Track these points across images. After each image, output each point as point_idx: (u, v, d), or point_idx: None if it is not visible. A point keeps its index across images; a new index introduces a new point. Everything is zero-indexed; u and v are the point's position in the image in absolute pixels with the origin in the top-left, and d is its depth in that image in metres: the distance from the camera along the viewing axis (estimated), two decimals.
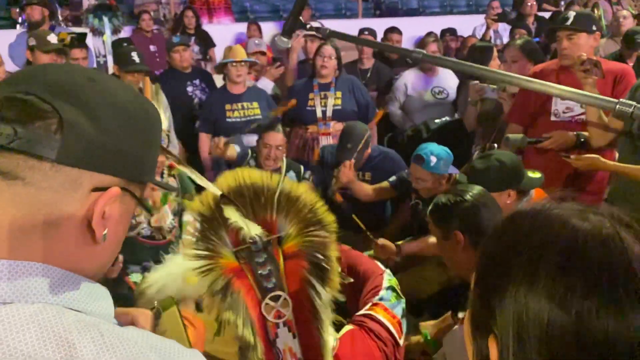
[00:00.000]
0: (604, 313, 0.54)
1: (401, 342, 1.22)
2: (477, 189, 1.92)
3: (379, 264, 1.42)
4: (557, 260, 0.57)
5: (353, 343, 1.14)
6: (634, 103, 1.23)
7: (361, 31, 4.40)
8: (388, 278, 1.34)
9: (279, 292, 1.06)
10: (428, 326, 2.23)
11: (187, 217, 2.77)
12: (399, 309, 1.26)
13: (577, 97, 1.43)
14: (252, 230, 1.08)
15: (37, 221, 0.58)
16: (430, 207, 1.96)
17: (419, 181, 2.71)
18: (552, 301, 0.55)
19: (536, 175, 2.35)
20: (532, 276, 0.57)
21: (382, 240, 2.56)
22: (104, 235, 0.62)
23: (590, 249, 0.57)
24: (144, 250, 2.65)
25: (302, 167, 3.25)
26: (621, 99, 1.26)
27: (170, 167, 2.77)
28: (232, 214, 1.07)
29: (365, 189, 3.02)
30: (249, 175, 1.13)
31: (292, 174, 3.19)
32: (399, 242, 2.60)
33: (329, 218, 1.14)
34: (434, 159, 2.63)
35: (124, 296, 2.50)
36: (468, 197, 1.85)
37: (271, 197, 1.12)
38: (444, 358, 1.82)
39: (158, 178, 2.70)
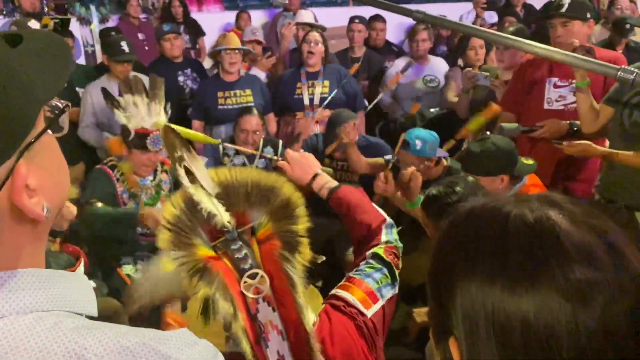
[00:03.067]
0: (540, 294, 0.54)
1: (370, 311, 1.25)
2: (467, 179, 1.96)
3: (381, 212, 1.41)
4: (490, 247, 0.58)
5: (330, 318, 1.20)
6: (636, 70, 1.23)
7: (352, 19, 4.37)
8: (385, 232, 1.35)
9: (256, 270, 1.11)
10: (421, 313, 2.25)
11: None
12: (371, 280, 1.28)
13: (580, 62, 1.42)
14: (224, 216, 1.14)
15: None
16: (422, 200, 1.99)
17: (407, 165, 2.75)
18: (493, 288, 0.56)
19: (529, 162, 2.37)
20: (472, 267, 0.58)
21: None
22: (46, 208, 0.54)
23: (520, 234, 0.57)
24: (141, 247, 2.65)
25: (280, 142, 3.28)
26: (623, 66, 1.26)
27: (164, 163, 2.76)
28: (203, 198, 1.13)
29: (362, 161, 3.01)
30: (217, 173, 1.19)
31: (269, 149, 3.18)
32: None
33: (299, 200, 1.20)
34: (419, 143, 2.67)
35: (116, 289, 2.50)
36: (459, 188, 1.89)
37: (242, 190, 1.18)
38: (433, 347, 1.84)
39: (150, 177, 2.68)
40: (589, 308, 0.53)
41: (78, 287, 0.58)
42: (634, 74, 1.24)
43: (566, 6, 2.65)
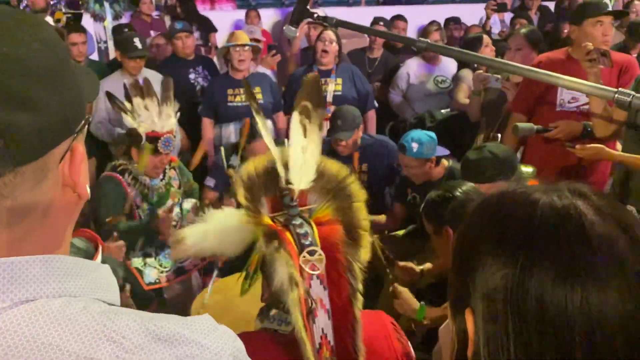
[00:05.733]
0: (560, 278, 0.56)
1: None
2: (466, 184, 1.99)
3: None
4: (517, 231, 0.60)
5: (366, 315, 1.24)
6: (632, 92, 1.23)
7: (376, 20, 4.35)
8: None
9: (315, 248, 1.14)
10: (429, 314, 2.24)
11: (187, 204, 2.78)
12: None
13: (577, 86, 1.43)
14: (297, 188, 1.19)
15: (27, 225, 0.56)
16: (423, 204, 2.03)
17: (407, 168, 2.78)
18: (514, 270, 0.58)
19: (528, 168, 2.39)
20: (496, 248, 0.60)
21: (404, 264, 2.42)
22: (88, 189, 0.61)
23: (547, 219, 0.59)
24: (149, 242, 2.66)
25: (286, 141, 3.25)
26: (620, 89, 1.25)
27: (171, 161, 2.77)
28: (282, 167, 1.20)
29: (381, 220, 3.00)
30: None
31: None
32: (421, 267, 2.41)
33: (357, 188, 1.25)
34: (415, 145, 2.69)
35: (125, 280, 2.52)
36: (457, 193, 1.93)
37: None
38: (440, 350, 1.84)
39: (159, 176, 2.70)
40: (603, 295, 0.55)
41: (103, 277, 0.62)
42: (631, 96, 1.23)
43: (610, 6, 2.69)
